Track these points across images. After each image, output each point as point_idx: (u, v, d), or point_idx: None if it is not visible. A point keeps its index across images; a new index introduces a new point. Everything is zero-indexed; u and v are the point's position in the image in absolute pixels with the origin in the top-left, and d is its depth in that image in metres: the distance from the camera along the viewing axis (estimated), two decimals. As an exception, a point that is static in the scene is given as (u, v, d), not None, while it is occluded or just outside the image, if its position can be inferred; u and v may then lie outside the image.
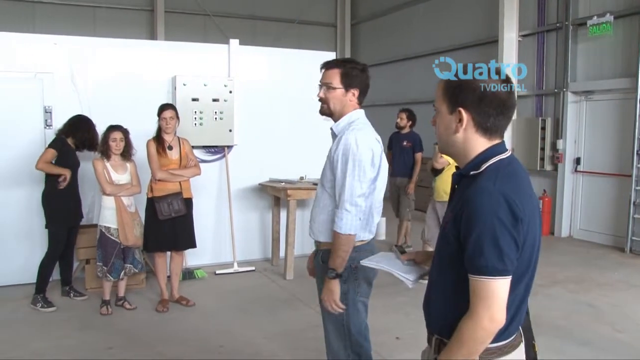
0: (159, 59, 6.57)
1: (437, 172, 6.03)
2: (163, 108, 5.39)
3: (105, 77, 6.32)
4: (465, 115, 1.72)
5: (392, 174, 7.03)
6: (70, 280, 5.75)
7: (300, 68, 7.09)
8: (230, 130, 6.51)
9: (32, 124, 5.94)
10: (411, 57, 12.43)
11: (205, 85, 6.40)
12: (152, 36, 12.65)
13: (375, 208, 2.88)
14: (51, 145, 5.36)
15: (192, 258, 6.42)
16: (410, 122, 7.61)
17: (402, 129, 7.64)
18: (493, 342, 1.65)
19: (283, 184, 6.43)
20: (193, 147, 5.93)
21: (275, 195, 6.69)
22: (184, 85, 6.32)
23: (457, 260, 1.67)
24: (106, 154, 5.21)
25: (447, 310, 1.75)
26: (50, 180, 5.38)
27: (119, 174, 5.24)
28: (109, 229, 5.17)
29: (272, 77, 7.06)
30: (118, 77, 6.36)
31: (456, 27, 11.09)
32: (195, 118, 6.35)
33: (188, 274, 6.26)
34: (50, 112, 5.96)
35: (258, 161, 6.79)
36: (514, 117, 8.20)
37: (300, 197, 6.27)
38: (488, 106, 1.70)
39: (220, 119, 6.44)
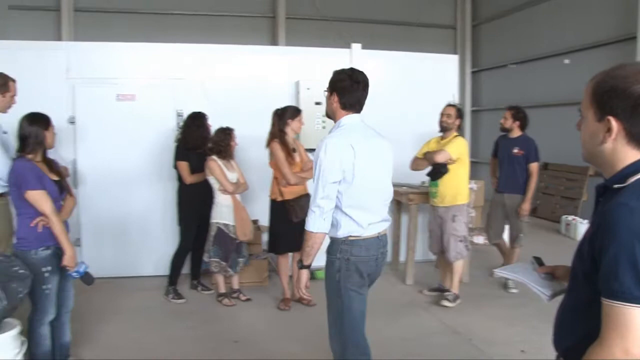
0: (283, 64, 6.80)
1: (437, 174, 5.53)
2: (298, 111, 5.47)
3: (231, 82, 6.67)
4: (615, 124, 1.51)
5: (497, 188, 6.30)
6: (199, 274, 6.09)
7: (421, 71, 7.05)
8: (352, 134, 6.54)
9: (166, 126, 6.36)
10: (535, 58, 11.92)
11: (328, 89, 6.52)
12: (274, 42, 13.06)
13: (361, 207, 3.03)
14: (178, 158, 5.70)
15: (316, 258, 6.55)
16: (519, 123, 6.10)
17: (510, 132, 6.18)
18: None
19: (405, 188, 6.40)
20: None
21: (396, 200, 6.68)
22: (308, 89, 6.50)
23: (592, 279, 1.50)
24: (225, 154, 5.44)
25: (576, 332, 1.61)
26: (182, 181, 5.75)
27: (231, 172, 5.49)
28: (227, 226, 5.42)
29: (393, 81, 7.06)
30: (243, 82, 6.68)
31: (586, 24, 10.49)
32: (318, 122, 6.51)
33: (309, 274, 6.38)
34: (182, 116, 6.32)
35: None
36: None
37: (422, 202, 6.21)
38: None
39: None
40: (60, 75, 6.25)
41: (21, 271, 3.47)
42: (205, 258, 5.59)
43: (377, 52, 7.34)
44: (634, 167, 1.52)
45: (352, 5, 13.64)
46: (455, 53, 13.31)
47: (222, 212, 5.43)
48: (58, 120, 5.91)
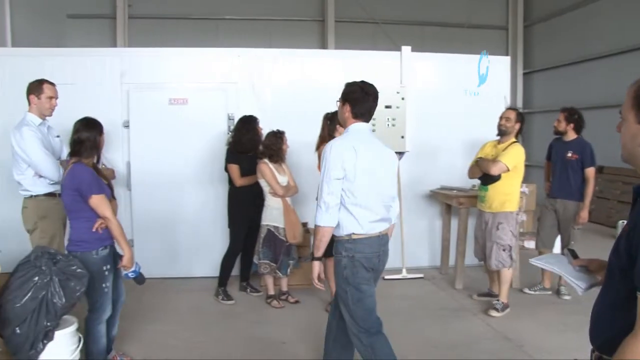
0: (333, 68, 6.79)
1: (489, 179, 5.29)
2: None
3: (281, 85, 6.71)
4: None
5: (550, 193, 6.06)
6: (248, 276, 6.14)
7: (472, 73, 6.94)
8: (403, 137, 6.49)
9: (217, 130, 6.44)
10: (591, 58, 11.57)
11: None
12: (323, 45, 13.11)
13: (362, 206, 3.27)
14: (229, 161, 5.76)
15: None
16: (573, 125, 5.80)
17: (564, 135, 5.87)
18: None
19: (455, 191, 6.31)
20: None
21: (446, 203, 6.58)
22: (357, 92, 6.48)
23: (628, 275, 1.56)
24: (276, 157, 5.47)
25: (611, 325, 1.65)
26: (232, 184, 5.81)
27: (281, 175, 5.51)
28: (277, 228, 5.47)
29: (444, 83, 6.98)
30: (294, 86, 6.72)
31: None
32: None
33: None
34: (233, 119, 6.39)
35: (429, 168, 6.75)
36: None
37: (472, 206, 6.08)
38: None
39: (393, 125, 6.46)
40: (115, 80, 6.44)
41: (79, 270, 3.58)
42: (255, 260, 5.64)
43: (426, 54, 7.25)
44: None
45: (401, 7, 13.55)
46: (506, 54, 13.10)
47: (273, 214, 5.47)
48: (113, 123, 6.17)
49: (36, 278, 3.46)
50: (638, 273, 1.50)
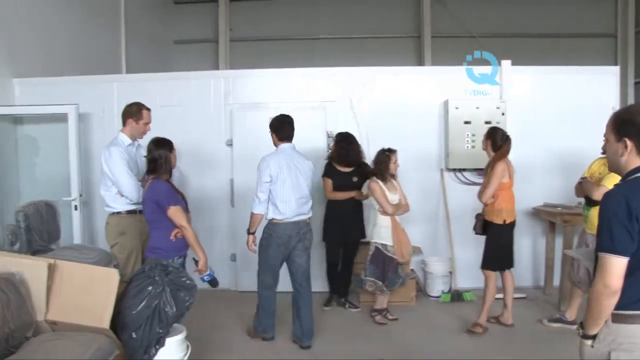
0: (429, 84, 6.77)
1: (592, 200, 4.84)
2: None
3: (379, 103, 6.76)
4: (629, 143, 2.26)
5: None
6: (347, 292, 6.19)
7: (577, 85, 6.66)
8: (502, 153, 6.34)
9: (317, 147, 6.56)
10: None
11: (477, 108, 6.40)
12: (420, 62, 13.02)
13: (282, 201, 4.77)
14: (324, 174, 5.97)
15: (462, 280, 6.44)
16: None
17: None
18: (626, 309, 2.20)
19: (559, 208, 6.05)
20: (466, 169, 6.08)
21: (550, 221, 6.32)
22: (457, 108, 6.42)
23: None
24: (383, 175, 5.48)
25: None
26: (328, 200, 6.01)
27: (392, 194, 5.50)
28: (386, 246, 5.46)
29: (546, 97, 6.73)
30: (391, 103, 6.76)
31: None
32: (467, 141, 6.40)
33: (457, 296, 6.26)
34: (332, 137, 6.50)
35: (531, 184, 6.51)
36: None
37: (578, 224, 5.78)
38: None
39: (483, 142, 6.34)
40: (219, 101, 6.77)
41: (188, 282, 3.81)
42: (362, 276, 5.62)
43: (528, 67, 7.04)
44: (635, 170, 2.27)
45: (498, 20, 13.19)
46: (615, 63, 12.39)
47: (381, 232, 5.48)
48: (217, 142, 6.45)
49: (150, 288, 3.70)
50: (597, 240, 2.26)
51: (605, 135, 2.40)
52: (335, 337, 5.27)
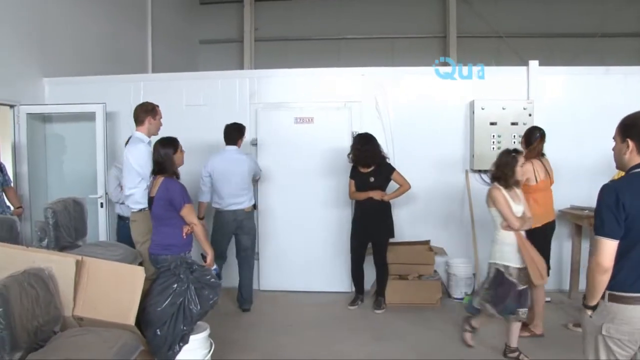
0: (456, 84, 6.69)
1: None
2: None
3: (404, 103, 6.72)
4: (631, 143, 2.64)
5: None
6: (382, 292, 6.13)
7: (607, 86, 6.55)
8: (529, 154, 6.27)
9: (342, 147, 6.52)
10: None
11: (503, 108, 6.34)
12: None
13: (217, 193, 5.78)
14: (349, 176, 6.02)
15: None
16: None
17: None
18: (619, 290, 2.59)
19: (587, 211, 5.95)
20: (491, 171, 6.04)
21: (576, 224, 6.23)
22: (482, 109, 6.35)
23: None
24: (508, 182, 4.52)
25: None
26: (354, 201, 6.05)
27: (516, 204, 4.54)
28: (508, 268, 4.47)
29: (576, 97, 6.62)
30: (417, 103, 6.72)
31: None
32: (493, 142, 6.33)
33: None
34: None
35: (558, 186, 6.40)
36: None
37: (606, 227, 5.68)
38: None
39: (520, 142, 6.26)
40: (245, 101, 6.80)
41: (213, 280, 3.85)
42: (477, 300, 4.68)
43: (556, 68, 6.94)
44: (635, 167, 2.64)
45: (526, 19, 13.03)
46: (646, 64, 12.12)
47: (504, 251, 4.50)
48: (243, 142, 6.47)
49: (175, 285, 3.74)
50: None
51: (613, 137, 2.76)
52: (358, 337, 5.26)
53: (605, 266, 2.54)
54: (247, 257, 6.01)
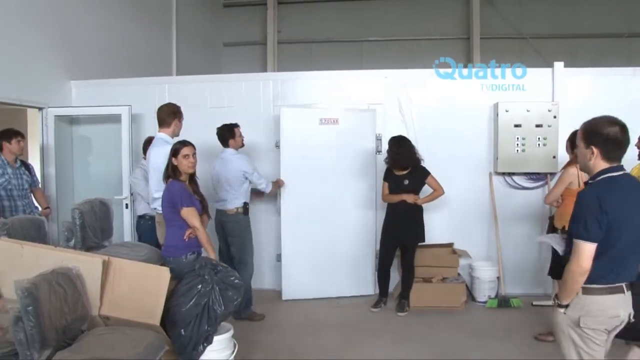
0: (479, 86, 6.65)
1: None
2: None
3: (428, 106, 6.70)
4: (595, 150, 2.73)
5: None
6: (407, 295, 6.10)
7: (634, 87, 6.44)
8: (554, 157, 6.22)
9: (366, 149, 6.56)
10: None
11: (527, 111, 6.28)
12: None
13: (216, 195, 5.81)
14: (383, 178, 6.04)
15: (510, 286, 6.34)
16: None
17: None
18: (592, 283, 2.72)
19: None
20: (515, 173, 6.01)
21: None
22: (507, 111, 6.30)
23: None
24: None
25: None
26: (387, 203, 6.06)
27: None
28: None
29: (601, 99, 6.49)
30: (440, 106, 6.69)
31: None
32: (517, 144, 6.28)
33: (504, 302, 6.14)
34: (380, 140, 6.53)
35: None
36: None
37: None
38: (611, 145, 2.70)
39: (544, 145, 6.22)
40: (268, 102, 6.83)
41: (237, 281, 3.88)
42: None
43: (582, 69, 6.87)
44: (602, 172, 2.74)
45: (550, 20, 12.87)
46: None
47: None
48: (266, 143, 6.49)
49: (199, 286, 3.78)
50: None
51: (577, 141, 2.86)
52: (380, 339, 5.25)
53: (586, 268, 2.66)
54: (239, 271, 5.11)
